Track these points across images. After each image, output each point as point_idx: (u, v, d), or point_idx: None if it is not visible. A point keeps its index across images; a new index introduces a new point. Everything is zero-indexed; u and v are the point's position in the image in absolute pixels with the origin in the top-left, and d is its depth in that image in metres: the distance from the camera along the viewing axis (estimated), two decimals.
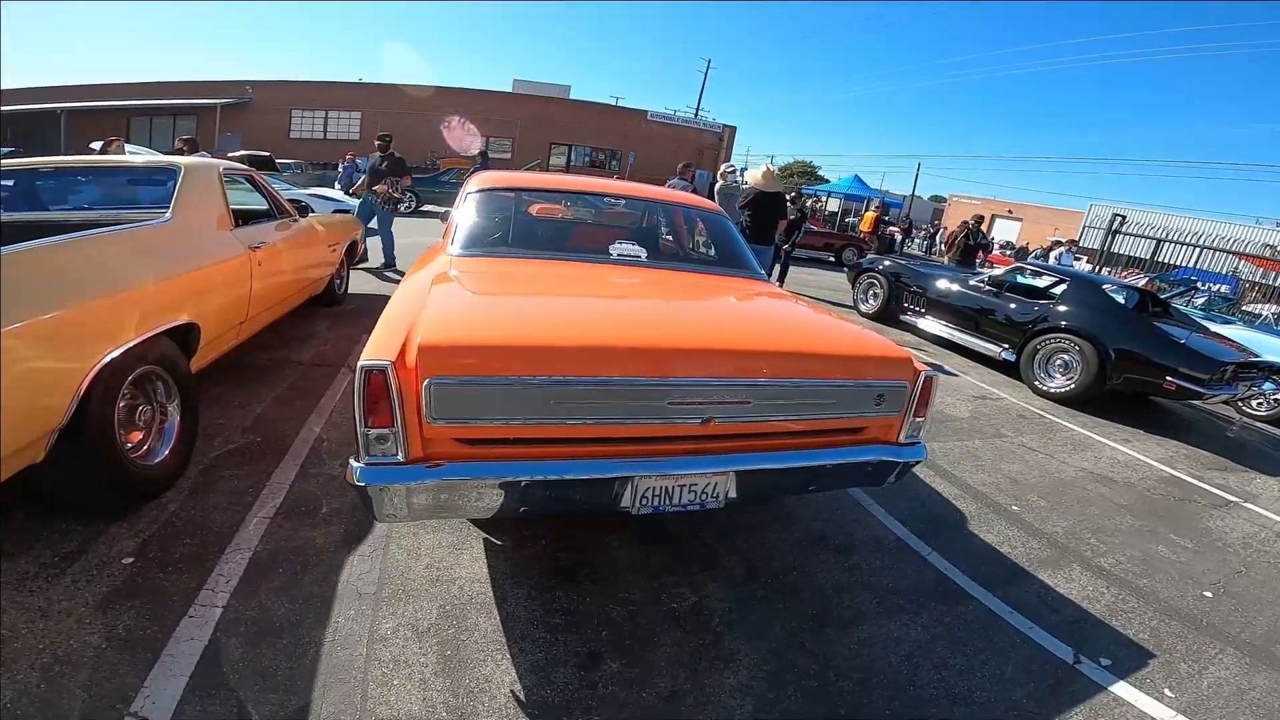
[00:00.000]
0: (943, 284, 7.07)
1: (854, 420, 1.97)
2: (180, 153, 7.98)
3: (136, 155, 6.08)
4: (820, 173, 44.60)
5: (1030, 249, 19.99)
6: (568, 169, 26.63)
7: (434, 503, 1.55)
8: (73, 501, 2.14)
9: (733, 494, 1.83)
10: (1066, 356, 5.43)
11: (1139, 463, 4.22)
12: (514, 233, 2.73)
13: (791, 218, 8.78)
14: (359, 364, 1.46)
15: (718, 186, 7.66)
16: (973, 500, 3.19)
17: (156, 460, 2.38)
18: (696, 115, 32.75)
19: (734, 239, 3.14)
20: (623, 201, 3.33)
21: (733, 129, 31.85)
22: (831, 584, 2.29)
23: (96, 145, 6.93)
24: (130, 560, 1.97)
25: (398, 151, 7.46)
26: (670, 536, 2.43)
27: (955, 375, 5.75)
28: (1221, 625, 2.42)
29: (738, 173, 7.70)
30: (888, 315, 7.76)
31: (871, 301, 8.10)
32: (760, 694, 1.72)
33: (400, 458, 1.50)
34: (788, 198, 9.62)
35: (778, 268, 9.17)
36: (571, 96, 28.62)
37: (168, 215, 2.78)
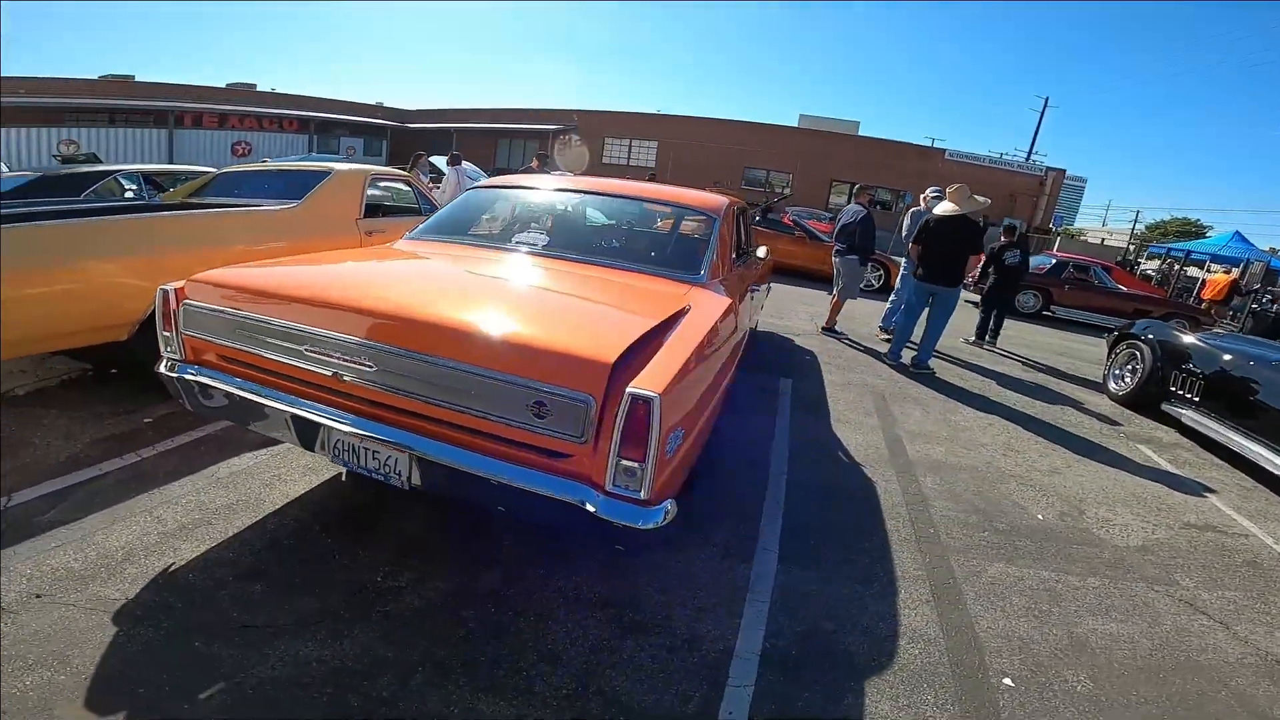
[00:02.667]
0: (1234, 360, 4.72)
1: (528, 434, 1.63)
2: (533, 166, 9.89)
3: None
4: (1210, 233, 33.92)
5: None
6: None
7: (200, 395, 2.02)
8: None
9: (416, 479, 1.78)
10: None
11: None
12: (458, 224, 3.03)
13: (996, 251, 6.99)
14: (158, 288, 2.04)
15: (911, 210, 6.72)
16: (940, 653, 2.03)
17: None
18: (1029, 158, 28.30)
19: (692, 242, 3.05)
20: (579, 198, 3.34)
21: (1060, 171, 26.30)
22: (553, 651, 1.82)
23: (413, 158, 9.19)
24: (148, 420, 2.89)
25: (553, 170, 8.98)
26: (481, 532, 2.35)
27: (1199, 495, 3.75)
28: None
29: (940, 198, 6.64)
30: (1145, 401, 5.50)
31: (1127, 379, 5.82)
32: (285, 679, 1.62)
33: (178, 356, 2.07)
34: (999, 228, 7.63)
35: (982, 316, 7.37)
36: (860, 133, 27.50)
37: (294, 203, 3.91)
